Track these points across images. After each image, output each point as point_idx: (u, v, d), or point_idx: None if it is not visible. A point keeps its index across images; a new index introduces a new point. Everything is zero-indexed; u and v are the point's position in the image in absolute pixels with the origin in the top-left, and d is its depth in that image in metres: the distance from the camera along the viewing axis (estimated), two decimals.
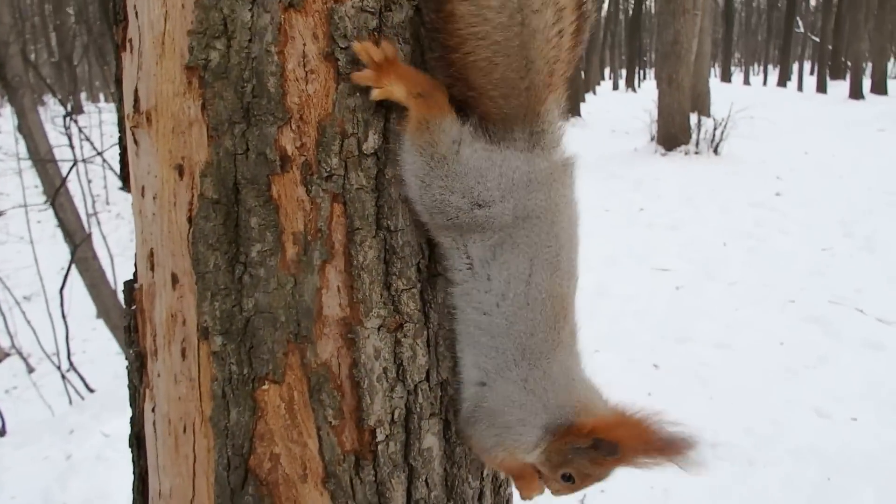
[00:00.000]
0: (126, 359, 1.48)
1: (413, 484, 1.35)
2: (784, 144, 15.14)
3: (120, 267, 13.65)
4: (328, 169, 1.19)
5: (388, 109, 1.24)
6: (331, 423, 1.26)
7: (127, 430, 4.79)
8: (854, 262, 8.01)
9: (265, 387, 1.24)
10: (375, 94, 1.20)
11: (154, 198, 1.28)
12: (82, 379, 10.40)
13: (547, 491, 1.45)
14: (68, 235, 11.17)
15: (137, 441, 1.50)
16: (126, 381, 1.49)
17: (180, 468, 1.34)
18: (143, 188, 1.31)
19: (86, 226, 12.08)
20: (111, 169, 16.87)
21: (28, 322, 11.66)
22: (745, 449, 4.63)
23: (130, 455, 1.53)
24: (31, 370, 13.34)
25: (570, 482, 1.38)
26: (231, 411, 1.26)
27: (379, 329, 1.26)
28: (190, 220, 1.23)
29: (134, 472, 1.54)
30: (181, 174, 1.23)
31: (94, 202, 16.54)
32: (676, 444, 1.26)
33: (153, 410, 1.39)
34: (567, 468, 1.36)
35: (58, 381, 10.70)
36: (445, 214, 1.25)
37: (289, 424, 1.26)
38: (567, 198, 1.35)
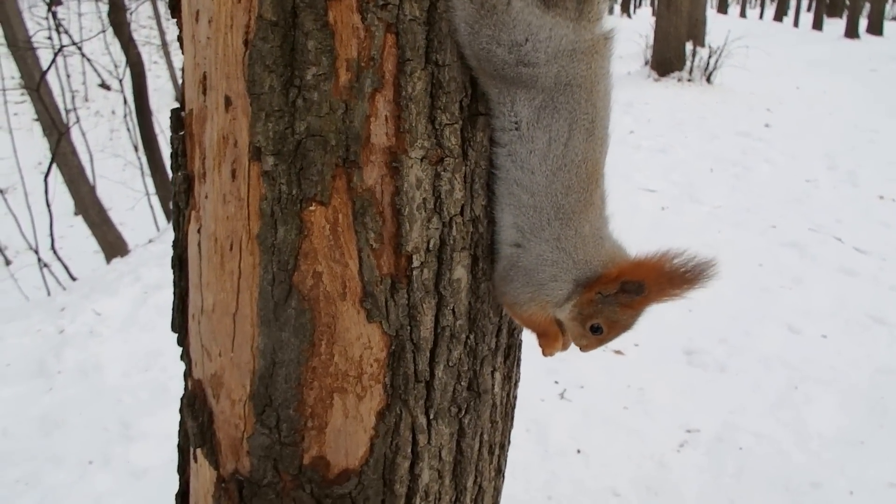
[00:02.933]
0: (172, 183, 1.55)
1: (441, 311, 1.45)
2: (776, 78, 15.14)
3: (99, 164, 13.51)
4: None
5: None
6: (372, 246, 1.35)
7: (119, 309, 4.88)
8: (836, 194, 8.16)
9: (312, 207, 1.32)
10: None
11: (209, 21, 1.33)
12: (66, 268, 10.41)
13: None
14: (54, 123, 11.01)
15: (179, 263, 1.59)
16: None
17: (224, 284, 1.43)
18: (197, 13, 1.36)
19: (64, 121, 11.91)
20: (90, 63, 16.51)
21: (10, 210, 11.60)
22: (717, 356, 4.83)
23: (172, 276, 1.61)
24: (8, 262, 13.33)
25: (599, 333, 1.50)
26: (278, 229, 1.34)
27: (422, 160, 1.33)
28: (246, 42, 1.28)
29: (174, 293, 1.62)
30: None
31: (73, 97, 16.25)
32: (696, 273, 1.37)
33: (199, 231, 1.46)
34: (596, 318, 1.48)
35: (35, 275, 10.70)
36: (492, 64, 1.32)
37: (332, 245, 1.34)
38: (605, 69, 1.42)
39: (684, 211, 7.53)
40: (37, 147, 16.69)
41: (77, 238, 13.87)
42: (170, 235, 9.34)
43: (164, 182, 12.77)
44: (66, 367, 4.89)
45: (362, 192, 1.32)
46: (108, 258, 10.71)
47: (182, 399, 1.69)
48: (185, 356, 1.65)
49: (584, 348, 1.55)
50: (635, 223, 7.11)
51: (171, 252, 5.59)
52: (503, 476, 1.90)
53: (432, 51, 1.30)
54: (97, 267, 11.14)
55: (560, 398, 4.33)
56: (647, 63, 14.57)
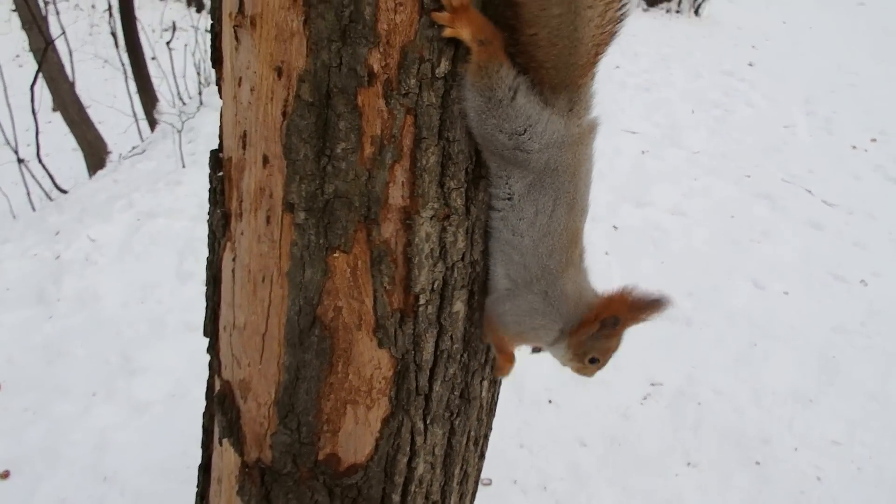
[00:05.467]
0: (209, 214, 1.75)
1: (441, 338, 1.70)
2: (764, 10, 15.08)
3: (79, 63, 13.20)
4: (406, 87, 1.43)
5: (458, 42, 1.46)
6: (385, 287, 1.58)
7: (113, 236, 5.03)
8: (811, 142, 8.37)
9: (336, 254, 1.54)
10: (446, 33, 1.43)
11: (251, 90, 1.51)
12: (52, 178, 10.41)
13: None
14: (41, 31, 10.79)
15: (213, 281, 1.81)
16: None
17: (256, 308, 1.66)
18: (240, 79, 1.54)
19: (43, 13, 11.58)
20: None
21: None
22: (685, 310, 5.13)
23: (206, 291, 1.84)
24: None
25: (597, 362, 1.82)
26: (306, 270, 1.56)
27: (431, 218, 1.56)
28: (284, 113, 1.47)
29: (208, 305, 1.85)
30: (279, 75, 1.46)
31: None
32: (655, 303, 1.66)
33: (233, 260, 1.69)
34: (591, 353, 1.79)
35: (13, 172, 10.62)
36: (494, 146, 1.54)
37: (351, 285, 1.57)
38: (587, 155, 1.67)
39: (664, 155, 7.72)
40: (14, 40, 16.23)
41: (55, 134, 13.66)
42: (156, 150, 9.38)
43: (146, 86, 12.51)
44: (64, 295, 5.09)
45: (379, 244, 1.55)
46: (87, 157, 10.64)
47: (212, 396, 1.94)
48: (214, 357, 1.89)
49: (589, 376, 1.88)
50: (616, 168, 7.32)
51: (162, 174, 5.73)
52: (484, 457, 2.19)
53: (444, 129, 1.50)
54: (75, 164, 11.09)
55: (534, 350, 4.63)
56: None
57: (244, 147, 1.57)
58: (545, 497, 3.52)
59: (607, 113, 7.04)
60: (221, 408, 1.83)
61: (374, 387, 1.68)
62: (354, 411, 1.70)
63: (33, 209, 8.74)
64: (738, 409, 4.20)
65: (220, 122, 1.69)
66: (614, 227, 6.16)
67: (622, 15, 1.55)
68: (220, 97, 1.67)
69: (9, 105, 11.16)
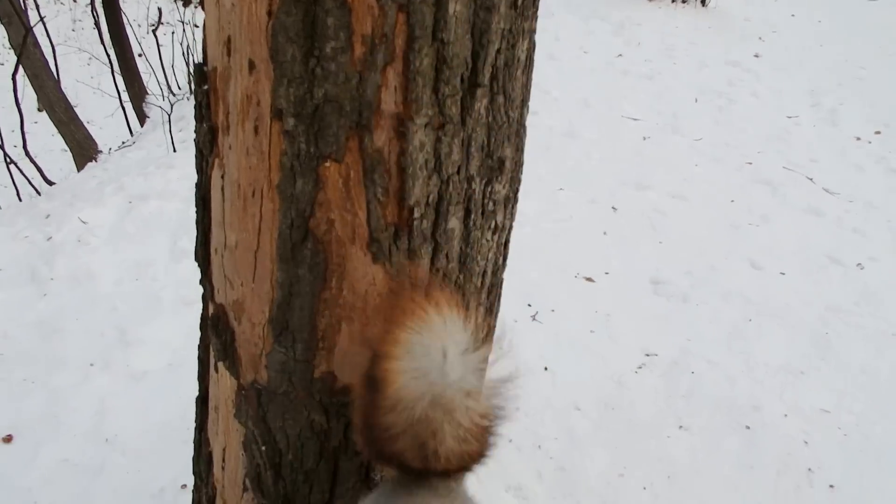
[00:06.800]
0: (195, 132, 1.72)
1: (436, 255, 1.67)
2: (772, 4, 15.00)
3: (63, 59, 13.00)
4: None
5: None
6: (378, 199, 1.55)
7: (105, 219, 5.02)
8: (815, 133, 8.31)
9: (327, 164, 1.51)
10: None
11: None
12: (40, 170, 10.28)
13: None
14: (20, 18, 10.58)
15: (203, 202, 1.78)
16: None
17: (247, 225, 1.63)
18: None
19: (22, 6, 11.39)
20: None
21: None
22: (682, 287, 5.11)
23: (195, 214, 1.81)
24: None
25: None
26: (297, 181, 1.53)
27: (425, 126, 1.52)
28: (269, 13, 1.42)
29: (198, 229, 1.82)
30: None
31: None
32: None
33: (222, 177, 1.65)
34: None
35: (1, 172, 10.48)
36: None
37: (344, 196, 1.54)
38: None
39: (665, 142, 7.69)
40: None
41: (42, 135, 13.51)
42: (146, 141, 9.32)
43: (134, 80, 12.24)
44: (58, 274, 5.05)
45: (372, 153, 1.51)
46: (77, 157, 10.47)
47: (206, 319, 1.91)
48: (207, 283, 1.86)
49: None
50: (616, 152, 7.30)
51: (153, 160, 5.76)
52: None
53: (439, 30, 1.45)
54: (65, 165, 10.97)
55: (532, 320, 4.61)
56: None
57: (229, 54, 1.53)
58: (539, 454, 3.52)
59: (608, 99, 7.09)
60: (216, 330, 1.80)
61: (369, 304, 1.65)
62: (349, 328, 1.66)
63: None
64: (731, 378, 4.19)
65: (203, 33, 1.66)
66: (613, 208, 6.13)
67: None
68: (203, 8, 1.64)
69: None
